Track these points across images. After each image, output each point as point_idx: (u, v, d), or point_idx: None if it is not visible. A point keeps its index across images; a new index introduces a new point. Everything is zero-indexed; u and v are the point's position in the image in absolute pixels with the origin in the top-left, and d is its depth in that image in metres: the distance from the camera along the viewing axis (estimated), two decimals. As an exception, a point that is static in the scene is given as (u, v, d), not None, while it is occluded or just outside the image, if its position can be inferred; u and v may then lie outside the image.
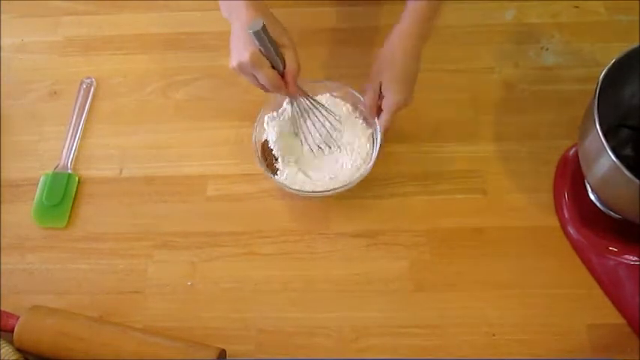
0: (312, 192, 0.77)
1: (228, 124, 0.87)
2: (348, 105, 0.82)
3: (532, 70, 0.89)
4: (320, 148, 0.79)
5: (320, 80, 0.83)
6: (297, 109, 0.78)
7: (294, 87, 0.73)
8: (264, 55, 0.69)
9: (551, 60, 0.89)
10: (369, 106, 0.78)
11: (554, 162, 0.81)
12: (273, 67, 0.71)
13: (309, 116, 0.79)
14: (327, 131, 0.79)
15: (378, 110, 0.78)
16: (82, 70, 0.93)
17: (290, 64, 0.71)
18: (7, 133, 0.89)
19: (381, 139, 0.77)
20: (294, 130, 0.80)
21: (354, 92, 0.81)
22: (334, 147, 0.80)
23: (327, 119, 0.79)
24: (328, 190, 0.76)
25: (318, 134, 0.79)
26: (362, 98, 0.80)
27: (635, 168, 0.61)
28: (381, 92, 0.77)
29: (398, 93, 0.75)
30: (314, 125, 0.79)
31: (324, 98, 0.82)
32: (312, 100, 0.78)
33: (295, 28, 0.92)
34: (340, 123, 0.80)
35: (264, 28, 0.67)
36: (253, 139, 0.79)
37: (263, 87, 0.72)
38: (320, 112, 0.78)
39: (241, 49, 0.69)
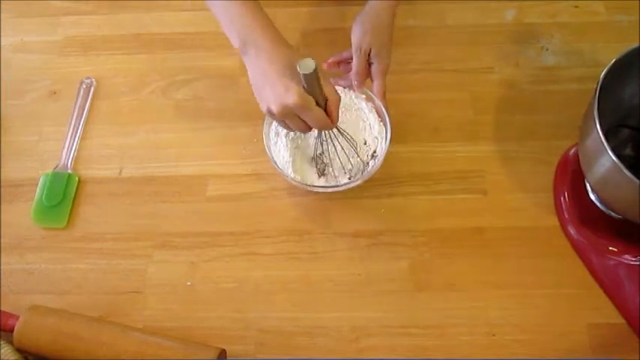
0: (322, 187, 0.76)
1: (228, 124, 0.87)
2: (363, 96, 0.81)
3: (532, 70, 0.89)
4: (335, 175, 0.78)
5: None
6: (325, 137, 0.75)
7: (337, 119, 0.69)
8: (309, 93, 0.64)
9: (551, 60, 0.89)
10: (359, 73, 0.78)
11: (554, 162, 0.81)
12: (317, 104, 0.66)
13: (335, 144, 0.76)
14: (350, 161, 0.78)
15: (364, 77, 0.79)
16: (81, 70, 0.93)
17: (333, 97, 0.67)
18: (7, 133, 0.89)
19: (388, 114, 0.77)
20: (313, 154, 0.78)
21: (369, 92, 0.80)
22: (352, 174, 0.78)
23: (353, 149, 0.77)
24: (339, 185, 0.76)
25: (340, 162, 0.77)
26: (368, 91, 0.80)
27: (635, 168, 0.61)
28: (368, 59, 0.78)
29: (387, 57, 0.78)
30: (338, 155, 0.76)
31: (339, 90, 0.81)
32: (341, 130, 0.75)
33: (295, 28, 0.93)
34: (359, 152, 0.78)
35: (316, 68, 0.62)
36: (264, 137, 0.79)
37: (304, 127, 0.68)
38: (348, 141, 0.76)
39: (281, 91, 0.64)
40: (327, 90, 0.66)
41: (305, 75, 0.62)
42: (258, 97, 0.68)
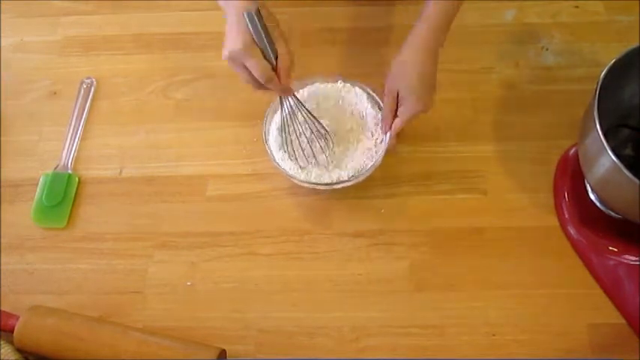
0: (323, 184, 0.76)
1: (228, 124, 0.87)
2: (364, 96, 0.81)
3: (532, 70, 0.89)
4: (307, 160, 0.77)
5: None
6: (287, 112, 0.75)
7: (287, 80, 0.71)
8: (256, 44, 0.67)
9: (551, 60, 0.89)
10: (386, 116, 0.77)
11: (554, 162, 0.81)
12: (266, 59, 0.68)
13: (296, 125, 0.76)
14: (314, 145, 0.77)
15: (391, 121, 0.77)
16: (82, 70, 0.93)
17: (283, 56, 0.69)
18: (7, 133, 0.89)
19: (389, 143, 0.77)
20: (281, 134, 0.78)
21: (368, 89, 0.80)
22: (324, 158, 0.77)
23: (316, 130, 0.77)
24: (335, 183, 0.75)
25: (301, 147, 0.77)
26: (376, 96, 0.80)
27: (635, 168, 0.61)
28: (398, 101, 0.75)
29: (415, 102, 0.74)
30: (299, 137, 0.77)
31: (336, 85, 0.81)
32: (300, 105, 0.75)
33: (295, 28, 0.93)
34: (329, 135, 0.77)
35: (257, 12, 0.66)
36: (263, 136, 0.79)
37: (254, 80, 0.70)
38: (309, 120, 0.76)
39: (234, 38, 0.67)
40: (279, 49, 0.69)
41: (246, 16, 0.65)
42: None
